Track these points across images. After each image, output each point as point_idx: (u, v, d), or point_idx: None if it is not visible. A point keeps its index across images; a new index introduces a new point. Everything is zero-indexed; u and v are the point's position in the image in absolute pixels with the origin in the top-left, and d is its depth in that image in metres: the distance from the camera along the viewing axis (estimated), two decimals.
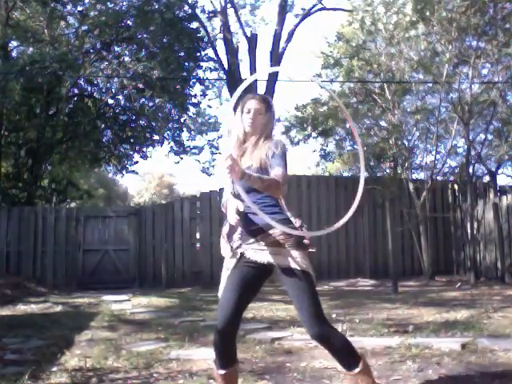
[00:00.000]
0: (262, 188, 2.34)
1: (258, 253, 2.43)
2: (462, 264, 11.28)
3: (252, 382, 3.10)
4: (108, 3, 13.18)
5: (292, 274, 2.37)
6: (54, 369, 3.47)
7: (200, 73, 15.87)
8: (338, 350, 2.36)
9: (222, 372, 2.44)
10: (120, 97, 14.80)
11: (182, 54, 14.31)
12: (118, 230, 11.38)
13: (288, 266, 2.37)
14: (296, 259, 2.37)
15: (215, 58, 16.21)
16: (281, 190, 2.39)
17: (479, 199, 11.03)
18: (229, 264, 2.50)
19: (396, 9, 10.25)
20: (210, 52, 16.02)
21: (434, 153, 11.43)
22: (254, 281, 2.48)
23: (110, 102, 14.88)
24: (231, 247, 2.49)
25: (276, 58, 16.25)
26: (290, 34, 16.86)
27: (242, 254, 2.46)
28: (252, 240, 2.45)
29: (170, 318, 5.92)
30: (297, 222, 2.44)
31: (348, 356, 2.36)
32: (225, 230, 2.56)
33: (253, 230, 2.44)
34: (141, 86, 13.05)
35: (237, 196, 2.47)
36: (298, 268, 2.36)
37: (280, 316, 5.87)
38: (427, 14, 9.79)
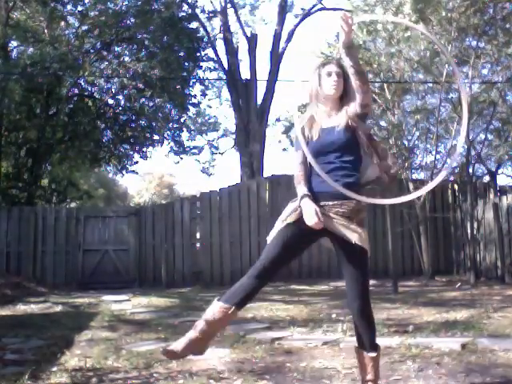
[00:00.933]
0: (360, 71, 2.37)
1: (324, 218, 2.43)
2: (462, 264, 11.27)
3: (252, 382, 3.10)
4: (108, 3, 13.19)
5: (355, 250, 2.41)
6: (54, 369, 3.47)
7: (200, 73, 15.92)
8: (370, 328, 2.51)
9: (227, 306, 2.41)
10: (120, 97, 14.82)
11: (182, 53, 14.32)
12: (118, 230, 11.38)
13: (355, 241, 2.40)
14: (362, 237, 2.42)
15: (215, 58, 16.23)
16: (370, 96, 2.44)
17: (479, 199, 11.02)
18: (289, 218, 2.48)
19: (394, 9, 10.23)
20: (209, 52, 16.06)
21: (433, 153, 11.43)
22: (304, 240, 2.50)
23: (110, 102, 14.90)
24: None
25: (276, 57, 16.25)
26: (290, 34, 16.87)
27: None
28: (322, 203, 2.45)
29: (170, 318, 5.92)
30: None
31: (373, 338, 2.51)
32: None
33: (326, 196, 2.46)
34: (141, 86, 13.06)
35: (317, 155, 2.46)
36: (364, 247, 2.41)
37: (280, 316, 5.87)
38: (427, 13, 9.78)
